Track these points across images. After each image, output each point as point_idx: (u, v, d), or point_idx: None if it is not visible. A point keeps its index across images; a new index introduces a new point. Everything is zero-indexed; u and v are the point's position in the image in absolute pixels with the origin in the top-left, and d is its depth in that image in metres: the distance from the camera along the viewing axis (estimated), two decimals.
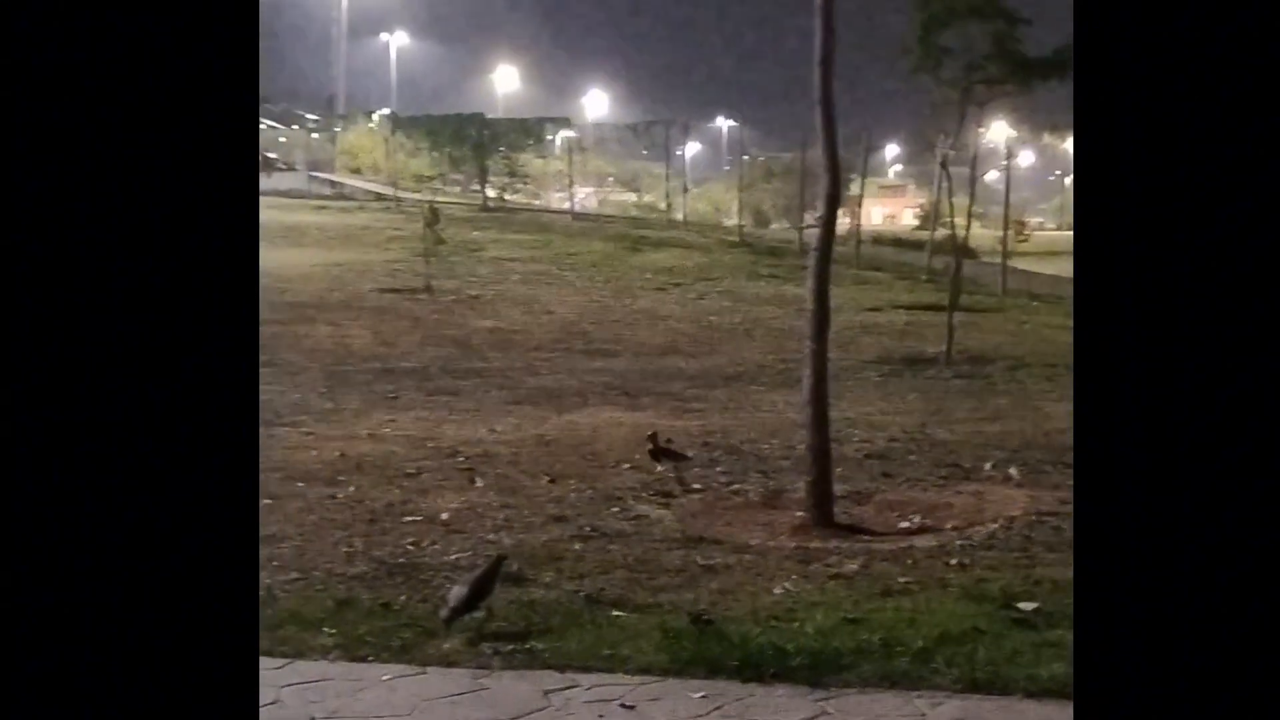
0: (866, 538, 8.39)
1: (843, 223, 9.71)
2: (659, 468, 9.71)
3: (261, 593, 6.84)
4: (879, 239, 34.75)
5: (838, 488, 8.97)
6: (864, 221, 31.08)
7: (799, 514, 8.73)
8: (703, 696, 5.66)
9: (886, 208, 57.39)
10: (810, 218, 30.02)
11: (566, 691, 5.69)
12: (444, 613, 6.31)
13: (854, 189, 27.53)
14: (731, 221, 37.70)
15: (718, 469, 10.25)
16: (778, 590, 7.18)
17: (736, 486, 9.72)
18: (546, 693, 5.67)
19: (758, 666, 5.94)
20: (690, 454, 10.18)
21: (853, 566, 7.59)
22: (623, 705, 5.55)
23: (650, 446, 9.82)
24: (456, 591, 6.40)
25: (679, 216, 34.26)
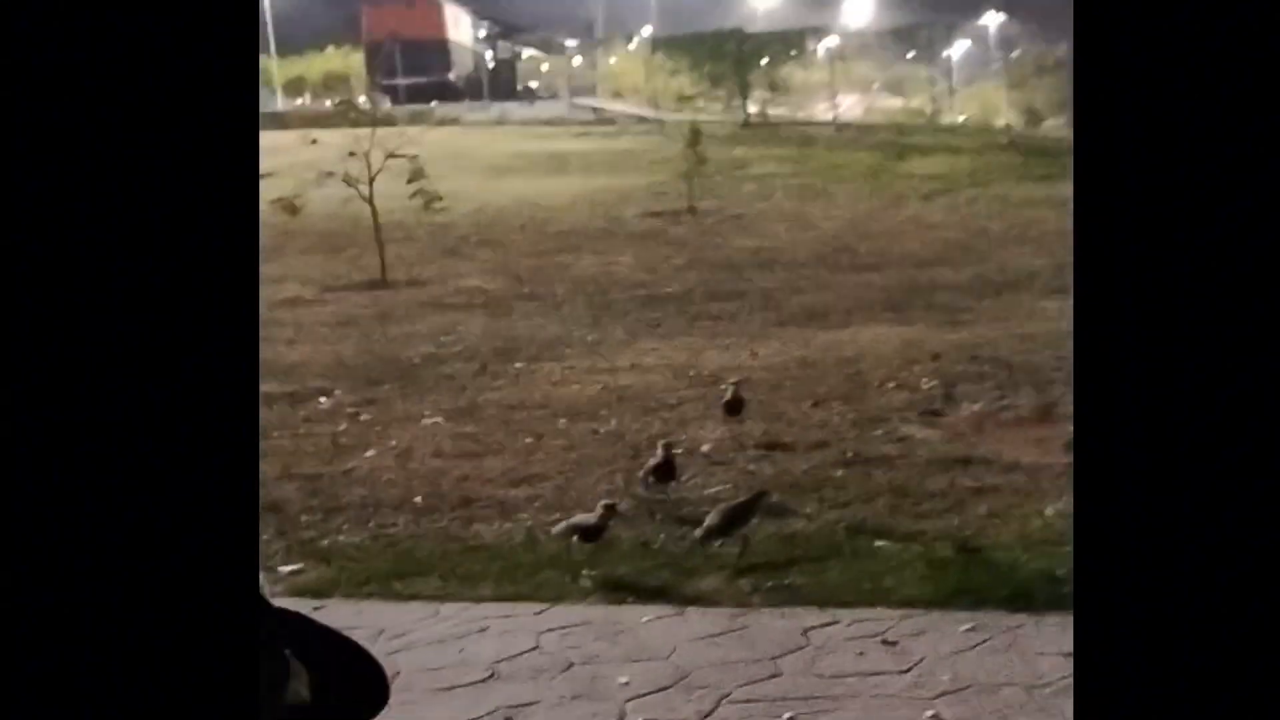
0: None
1: None
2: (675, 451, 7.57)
3: (523, 535, 6.90)
4: None
5: None
6: None
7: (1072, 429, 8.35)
8: (969, 629, 5.46)
9: None
10: None
11: (827, 629, 5.56)
12: (698, 532, 6.31)
13: None
14: (1002, 122, 36.45)
15: (987, 383, 9.89)
16: (1049, 511, 6.88)
17: (1007, 401, 9.37)
18: (806, 630, 5.55)
19: (1028, 595, 5.70)
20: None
21: None
22: (884, 641, 5.38)
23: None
24: (713, 517, 6.38)
25: (946, 120, 33.27)
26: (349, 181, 16.51)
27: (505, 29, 54.49)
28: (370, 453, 8.63)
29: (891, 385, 9.97)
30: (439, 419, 9.46)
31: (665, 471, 7.17)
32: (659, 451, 7.30)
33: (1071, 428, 8.38)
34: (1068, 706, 4.70)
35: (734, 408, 8.55)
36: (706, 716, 4.81)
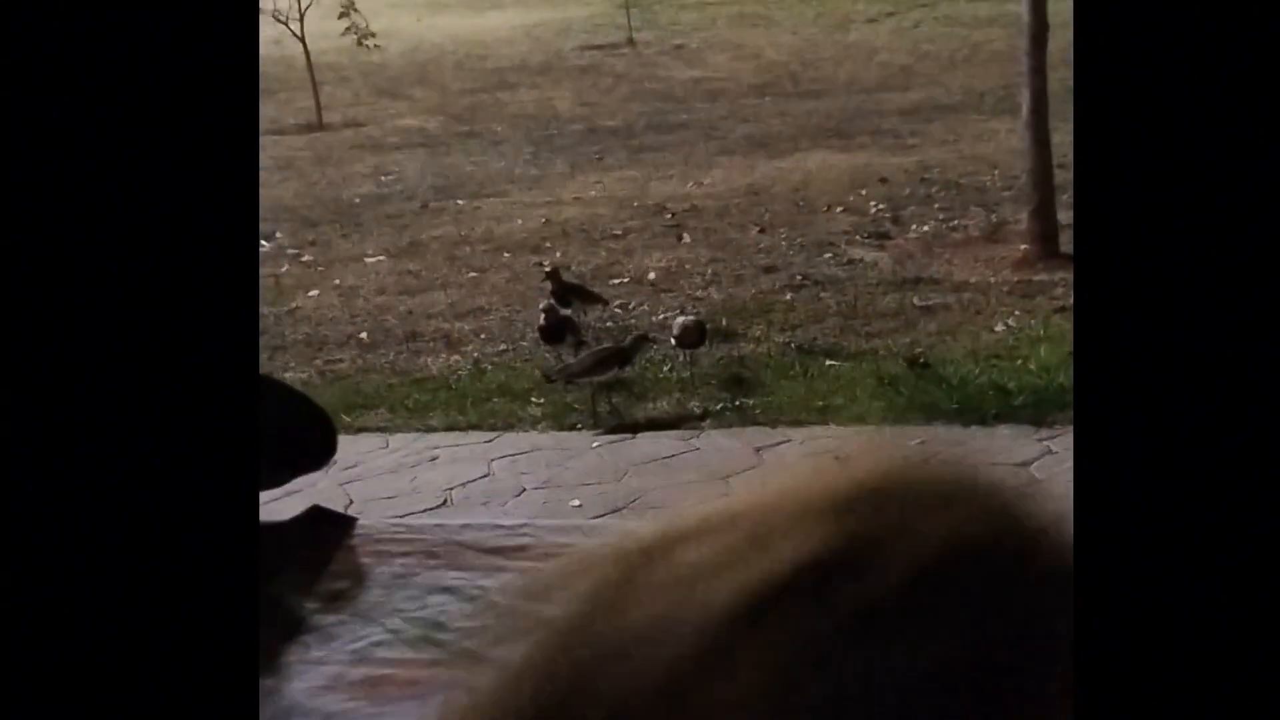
0: None
1: None
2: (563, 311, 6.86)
3: (469, 367, 6.83)
4: None
5: (1063, 216, 8.49)
6: None
7: (1022, 247, 8.32)
8: (920, 443, 5.45)
9: None
10: None
11: (778, 447, 5.55)
12: (554, 373, 6.13)
13: None
14: None
15: (935, 205, 9.82)
16: (999, 328, 6.88)
17: (956, 223, 9.31)
18: (758, 449, 5.54)
19: (978, 408, 5.71)
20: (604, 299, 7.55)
21: None
22: (836, 458, 5.37)
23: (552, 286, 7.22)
24: (581, 359, 6.16)
25: None
26: (278, 17, 16.06)
27: None
28: (314, 292, 8.50)
29: (839, 210, 9.88)
30: (381, 257, 9.32)
31: (551, 333, 6.53)
32: (540, 315, 6.57)
33: (1022, 245, 8.38)
34: None
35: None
36: None
